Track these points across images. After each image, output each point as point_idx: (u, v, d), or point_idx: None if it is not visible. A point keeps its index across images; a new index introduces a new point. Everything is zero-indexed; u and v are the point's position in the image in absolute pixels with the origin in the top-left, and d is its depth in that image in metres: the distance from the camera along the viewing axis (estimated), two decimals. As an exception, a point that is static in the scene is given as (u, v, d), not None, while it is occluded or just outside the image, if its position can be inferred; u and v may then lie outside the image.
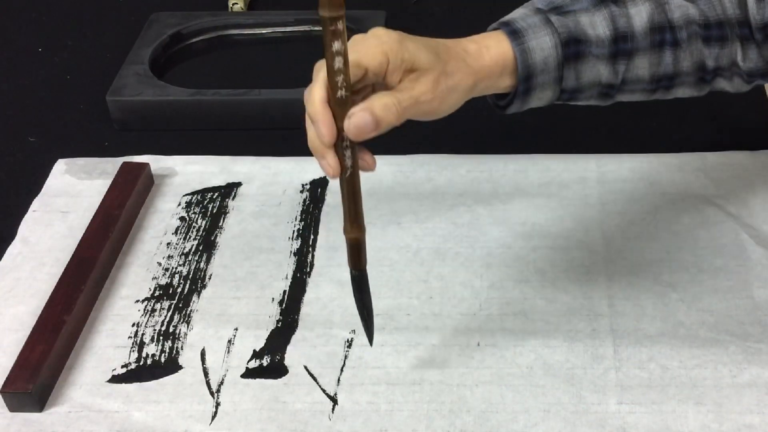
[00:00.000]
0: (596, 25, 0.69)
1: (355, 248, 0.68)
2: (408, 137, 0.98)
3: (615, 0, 0.70)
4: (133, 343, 0.80)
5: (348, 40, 0.59)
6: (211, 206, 0.93)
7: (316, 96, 0.61)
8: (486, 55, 0.67)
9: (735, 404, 0.72)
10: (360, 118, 0.60)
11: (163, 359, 0.78)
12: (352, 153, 0.62)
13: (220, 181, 0.97)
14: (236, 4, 1.23)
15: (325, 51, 0.58)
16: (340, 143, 0.62)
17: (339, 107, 0.60)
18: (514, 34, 0.68)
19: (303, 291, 0.84)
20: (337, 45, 0.58)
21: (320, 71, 0.61)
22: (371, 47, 0.62)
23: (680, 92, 0.74)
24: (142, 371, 0.77)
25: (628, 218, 0.89)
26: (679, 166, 0.95)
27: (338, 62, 0.58)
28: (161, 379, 0.76)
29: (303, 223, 0.91)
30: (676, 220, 0.89)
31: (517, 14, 0.70)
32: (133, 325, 0.81)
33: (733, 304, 0.80)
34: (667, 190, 0.92)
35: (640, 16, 0.70)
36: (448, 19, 1.24)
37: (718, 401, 0.72)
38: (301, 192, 0.95)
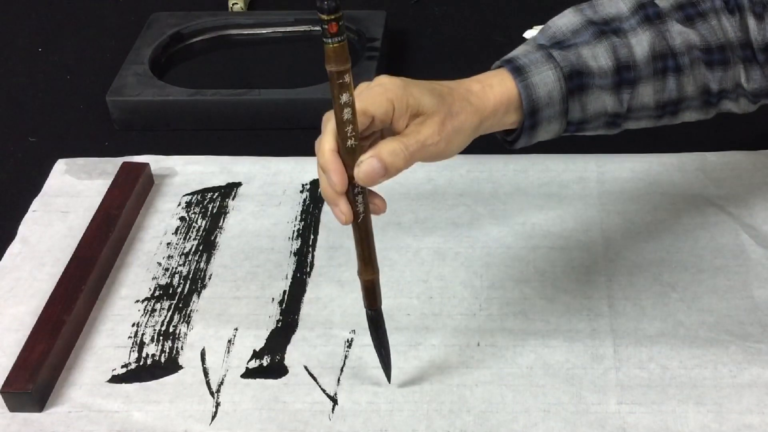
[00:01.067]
0: (598, 56, 0.69)
1: (370, 290, 0.69)
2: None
3: (616, 31, 0.70)
4: (133, 343, 0.80)
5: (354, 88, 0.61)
6: (211, 206, 0.93)
7: (326, 147, 0.62)
8: (490, 93, 0.68)
9: (735, 404, 0.72)
10: (369, 165, 0.62)
11: (163, 359, 0.78)
12: (364, 198, 0.64)
13: (220, 181, 0.97)
14: (236, 4, 1.23)
15: (334, 103, 0.60)
16: (352, 190, 0.63)
17: (349, 156, 0.62)
18: (517, 70, 0.68)
19: (303, 291, 0.84)
20: (345, 97, 0.60)
21: (329, 122, 0.63)
22: (377, 95, 0.63)
23: (687, 116, 0.75)
24: (142, 371, 0.77)
25: (628, 218, 0.89)
26: (679, 166, 0.95)
27: (347, 113, 0.60)
28: (161, 379, 0.76)
29: (303, 223, 0.91)
30: (676, 220, 0.89)
31: (519, 51, 0.71)
32: (133, 325, 0.81)
33: (733, 304, 0.80)
34: (667, 190, 0.92)
35: (641, 45, 0.70)
36: (448, 20, 1.24)
37: (718, 401, 0.72)
38: (301, 192, 0.95)
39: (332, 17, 0.56)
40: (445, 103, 0.65)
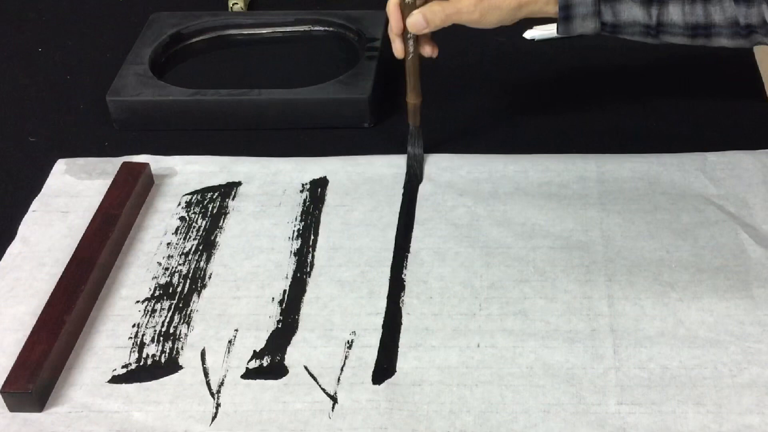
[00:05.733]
0: None
1: (414, 111, 0.95)
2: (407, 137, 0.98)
3: None
4: (133, 344, 0.80)
5: None
6: (211, 206, 0.93)
7: (391, 1, 0.87)
8: None
9: (735, 404, 0.72)
10: (415, 18, 0.86)
11: (163, 359, 0.78)
12: (414, 42, 0.89)
13: (220, 181, 0.97)
14: (236, 4, 1.23)
15: None
16: (406, 34, 0.89)
17: (407, 9, 0.87)
18: None
19: (303, 291, 0.84)
20: None
21: None
22: None
23: (721, 42, 0.86)
24: (142, 371, 0.77)
25: (628, 218, 0.89)
26: (679, 166, 0.95)
27: None
28: (161, 380, 0.76)
29: (303, 223, 0.91)
30: (676, 220, 0.89)
31: None
32: (134, 325, 0.81)
33: (732, 303, 0.80)
34: (667, 190, 0.92)
35: None
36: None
37: (718, 401, 0.73)
38: (301, 192, 0.95)
39: None
40: None
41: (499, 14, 0.84)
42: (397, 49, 0.89)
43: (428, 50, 0.90)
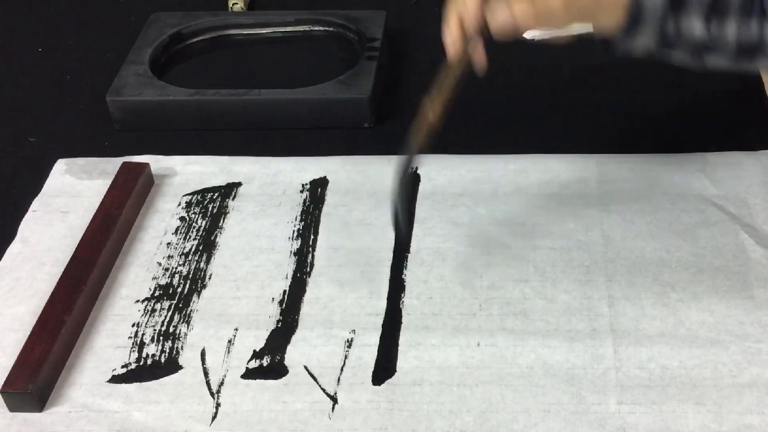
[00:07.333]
0: None
1: (425, 133, 0.80)
2: (407, 137, 0.98)
3: None
4: (133, 344, 0.80)
5: None
6: (211, 206, 0.93)
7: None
8: None
9: (735, 404, 0.72)
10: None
11: (163, 359, 0.78)
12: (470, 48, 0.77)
13: (220, 181, 0.97)
14: (236, 4, 1.23)
15: None
16: (467, 39, 0.77)
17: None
18: None
19: (303, 291, 0.84)
20: None
21: None
22: None
23: (761, 63, 0.79)
24: (142, 371, 0.77)
25: (628, 218, 0.89)
26: (679, 166, 0.95)
27: None
28: (161, 380, 0.76)
29: (303, 223, 0.91)
30: (676, 220, 0.89)
31: None
32: (133, 325, 0.81)
33: (733, 304, 0.80)
34: (667, 190, 0.92)
35: None
36: (448, 19, 1.24)
37: (718, 401, 0.73)
38: (301, 192, 0.95)
39: None
40: None
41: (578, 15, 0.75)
42: (457, 48, 0.79)
43: (481, 58, 0.78)
